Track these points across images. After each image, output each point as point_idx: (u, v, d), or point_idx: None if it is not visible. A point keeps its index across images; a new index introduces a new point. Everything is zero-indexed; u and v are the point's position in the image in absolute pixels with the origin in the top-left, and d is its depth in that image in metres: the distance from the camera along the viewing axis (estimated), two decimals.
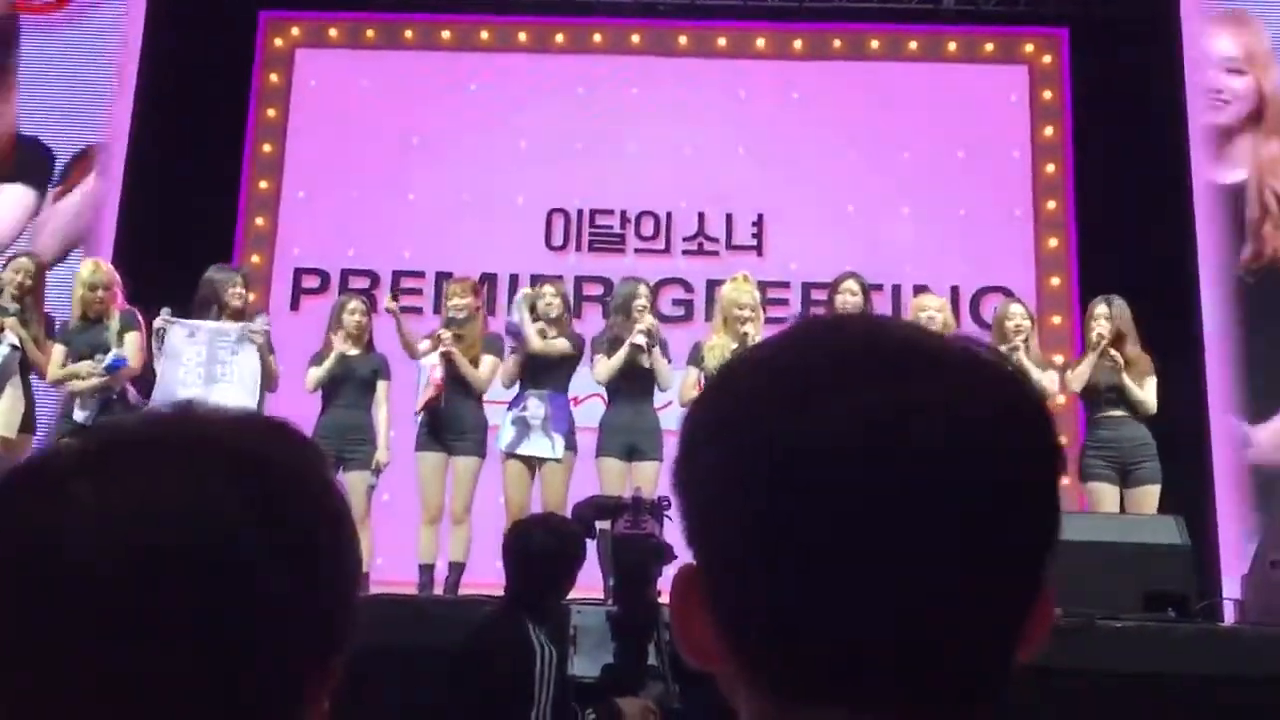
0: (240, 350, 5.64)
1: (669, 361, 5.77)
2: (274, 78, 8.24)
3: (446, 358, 5.71)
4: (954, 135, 7.86)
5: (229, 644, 0.63)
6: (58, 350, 5.75)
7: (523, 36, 8.27)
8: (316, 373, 5.83)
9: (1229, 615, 5.22)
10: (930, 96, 7.93)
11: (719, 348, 5.52)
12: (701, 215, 7.92)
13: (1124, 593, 4.40)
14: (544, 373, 5.76)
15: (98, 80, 7.97)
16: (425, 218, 7.81)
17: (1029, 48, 8.15)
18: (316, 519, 0.68)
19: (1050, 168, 7.92)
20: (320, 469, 0.71)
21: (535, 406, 5.68)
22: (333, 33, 8.34)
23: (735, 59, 8.15)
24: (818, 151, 7.88)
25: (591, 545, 3.57)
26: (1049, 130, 7.98)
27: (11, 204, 7.84)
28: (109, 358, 5.58)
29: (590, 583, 3.85)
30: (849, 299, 5.87)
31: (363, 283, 7.67)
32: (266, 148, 8.11)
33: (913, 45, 8.14)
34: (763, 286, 6.55)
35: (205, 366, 5.57)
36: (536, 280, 6.57)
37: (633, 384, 5.73)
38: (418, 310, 7.47)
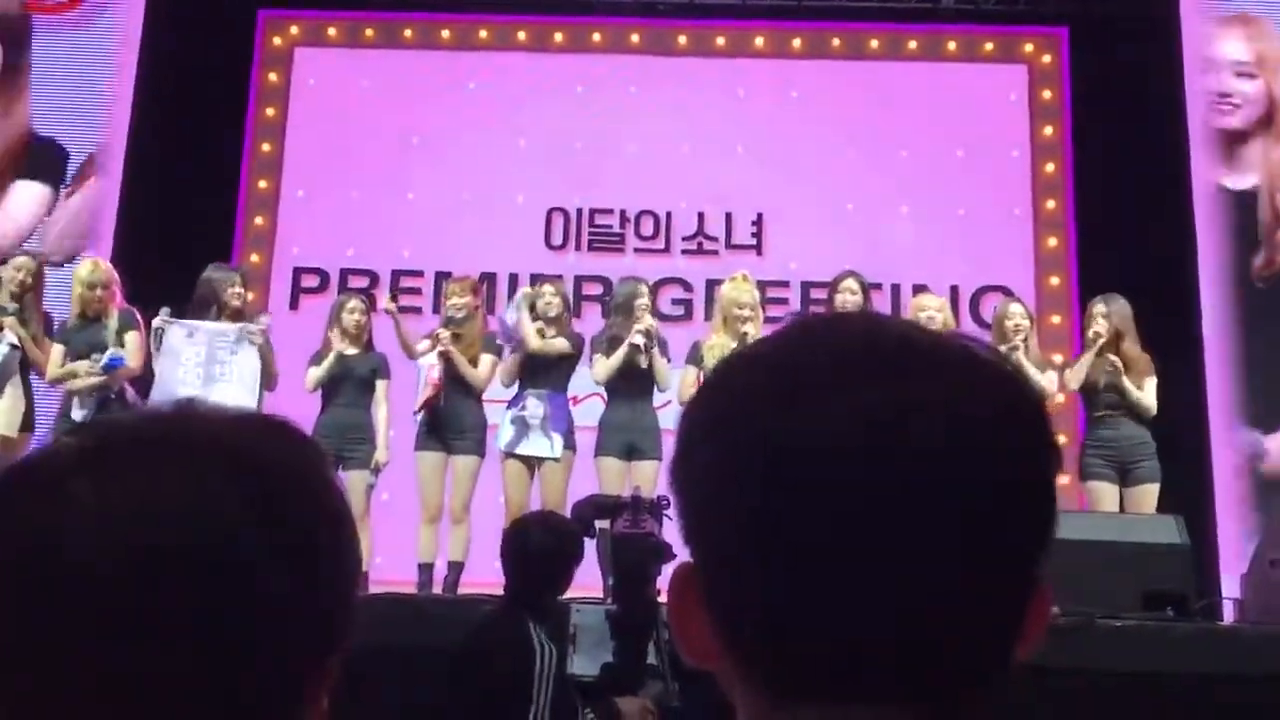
0: (239, 350, 5.64)
1: (668, 361, 5.77)
2: (273, 77, 8.24)
3: (445, 357, 5.71)
4: (953, 134, 7.86)
5: (228, 643, 0.63)
6: (57, 349, 5.75)
7: (522, 36, 8.27)
8: (316, 372, 5.83)
9: (1228, 614, 5.22)
10: (929, 96, 7.93)
11: (718, 347, 5.52)
12: (701, 215, 7.92)
13: (1123, 592, 4.41)
14: (543, 372, 5.76)
15: (103, 80, 7.98)
16: (424, 217, 7.81)
17: (1028, 47, 8.15)
18: (316, 518, 0.68)
19: (1050, 167, 7.92)
20: (321, 468, 0.71)
21: (534, 406, 5.68)
22: (332, 32, 8.34)
23: (734, 58, 8.15)
24: (817, 151, 7.87)
25: (591, 544, 3.57)
26: (1048, 129, 7.98)
27: (26, 201, 7.85)
28: (105, 356, 5.58)
29: (590, 582, 3.85)
30: (849, 298, 5.87)
31: (362, 282, 7.66)
32: (266, 147, 8.11)
33: (912, 44, 8.14)
34: (762, 286, 6.56)
35: (204, 366, 5.57)
36: (536, 280, 6.58)
37: (632, 383, 5.73)
38: (417, 310, 7.48)
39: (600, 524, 3.42)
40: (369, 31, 8.31)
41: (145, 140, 7.78)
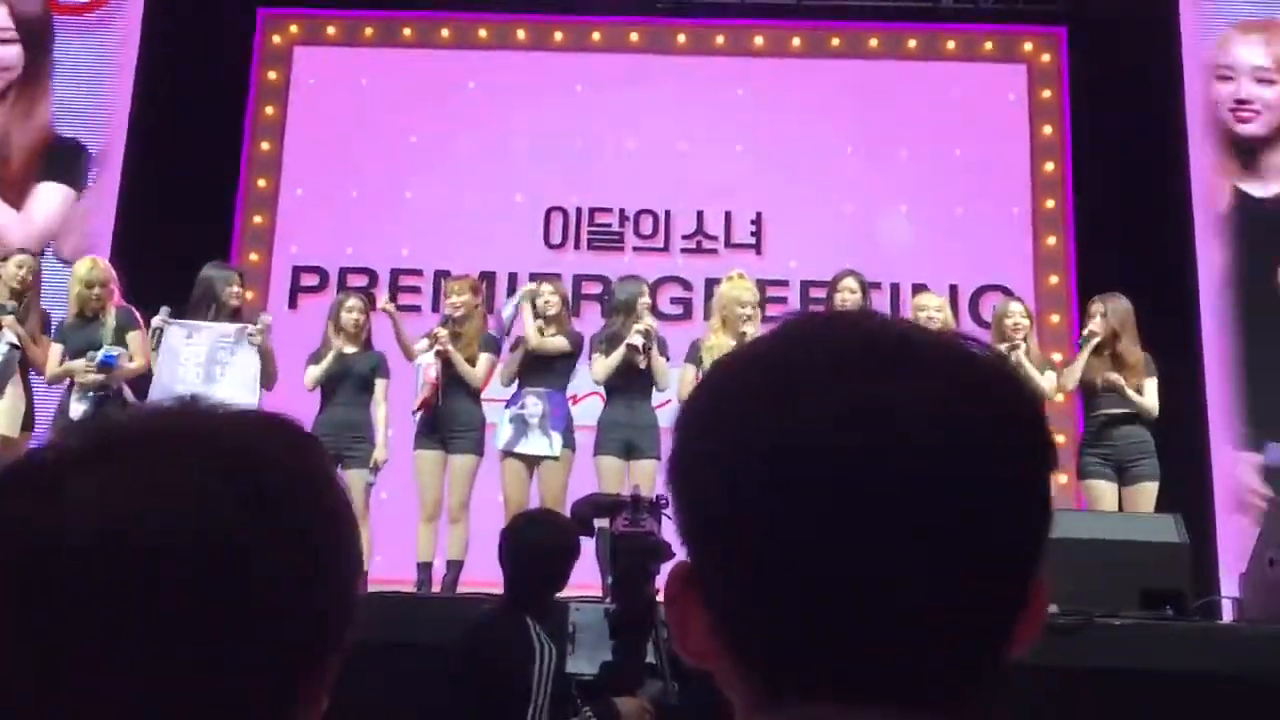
0: (239, 350, 5.65)
1: (667, 360, 5.77)
2: (272, 75, 8.23)
3: (443, 357, 5.71)
4: (952, 134, 7.86)
5: (225, 642, 0.62)
6: (55, 348, 5.75)
7: (521, 34, 8.26)
8: (315, 371, 5.83)
9: (1227, 613, 5.22)
10: (929, 95, 7.93)
11: (717, 348, 5.51)
12: (700, 214, 7.92)
13: (1122, 591, 4.41)
14: (542, 371, 5.76)
15: (110, 80, 8.00)
16: (424, 216, 7.81)
17: (1027, 46, 8.15)
18: (316, 517, 0.67)
19: (1049, 166, 7.92)
20: (322, 466, 0.71)
21: (533, 405, 5.68)
22: (331, 30, 8.34)
23: (734, 57, 8.15)
24: (816, 150, 7.87)
25: (590, 543, 3.57)
26: (1047, 129, 7.98)
27: (49, 202, 7.86)
28: (100, 354, 5.58)
29: (589, 581, 3.85)
30: (848, 297, 5.87)
31: (361, 281, 7.66)
32: (265, 145, 8.11)
33: (911, 44, 8.14)
34: (761, 285, 6.57)
35: (204, 366, 5.57)
36: (535, 279, 6.57)
37: (631, 383, 5.73)
38: (416, 309, 7.48)
39: (599, 523, 3.42)
40: (368, 30, 8.31)
41: (144, 138, 7.78)
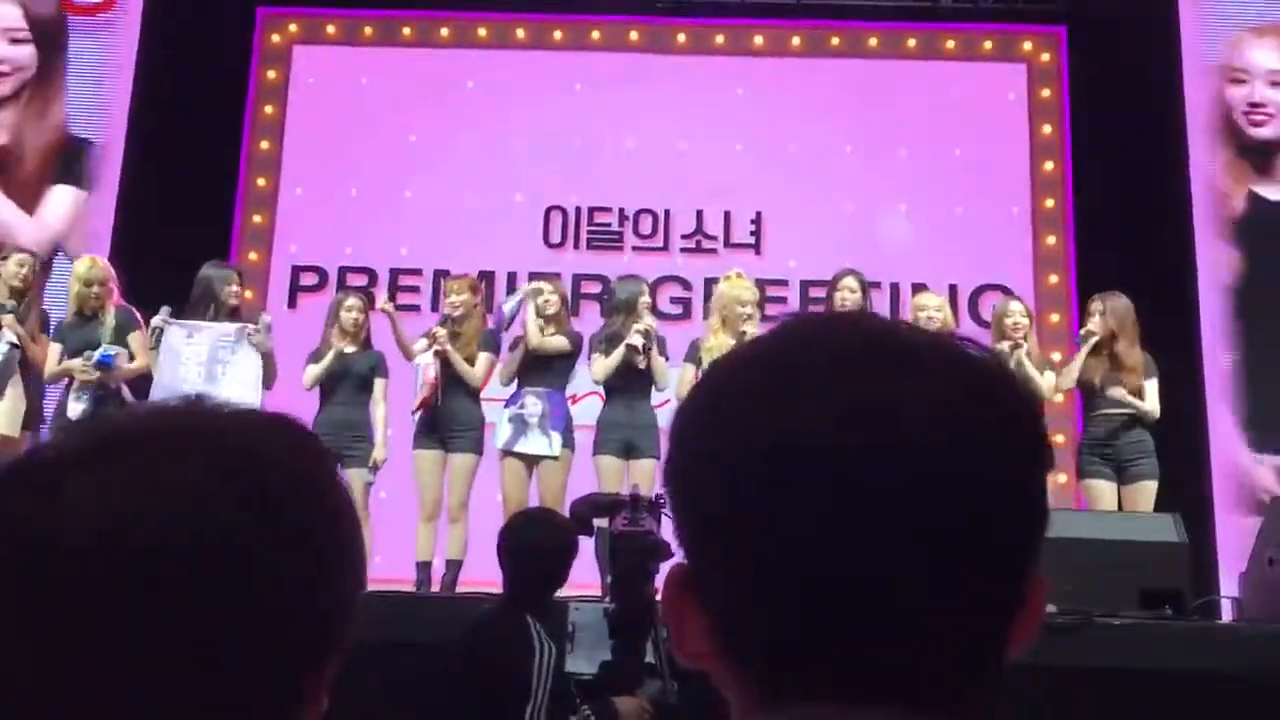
0: (240, 350, 5.65)
1: (666, 359, 5.77)
2: (271, 74, 8.23)
3: (441, 357, 5.71)
4: (952, 133, 7.86)
5: (226, 642, 0.62)
6: (54, 347, 5.75)
7: (521, 34, 8.26)
8: (314, 370, 5.83)
9: (1226, 613, 5.22)
10: (928, 94, 7.93)
11: (717, 348, 5.50)
12: (700, 213, 7.92)
13: (1121, 590, 4.41)
14: (541, 370, 5.76)
15: (110, 78, 8.01)
16: (423, 215, 7.80)
17: (1027, 45, 8.15)
18: (318, 517, 0.67)
19: (1048, 165, 7.92)
20: (324, 466, 0.71)
21: (533, 404, 5.68)
22: (330, 29, 8.34)
23: (733, 56, 8.15)
24: (816, 149, 7.87)
25: (589, 543, 3.57)
26: (1047, 128, 7.98)
27: (61, 204, 7.86)
28: (97, 353, 5.58)
29: (588, 580, 3.85)
30: (848, 296, 5.87)
31: (360, 280, 7.65)
32: (264, 144, 8.11)
33: (911, 43, 8.14)
34: (761, 285, 6.56)
35: (206, 366, 5.57)
36: (534, 278, 6.57)
37: (630, 382, 5.73)
38: (415, 308, 7.48)
39: (599, 522, 3.42)
40: (368, 29, 8.31)
41: (143, 137, 7.78)
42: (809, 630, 0.60)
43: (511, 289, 7.15)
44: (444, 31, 8.31)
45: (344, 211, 7.86)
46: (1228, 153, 7.53)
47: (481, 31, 8.28)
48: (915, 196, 7.78)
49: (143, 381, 5.73)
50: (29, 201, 7.85)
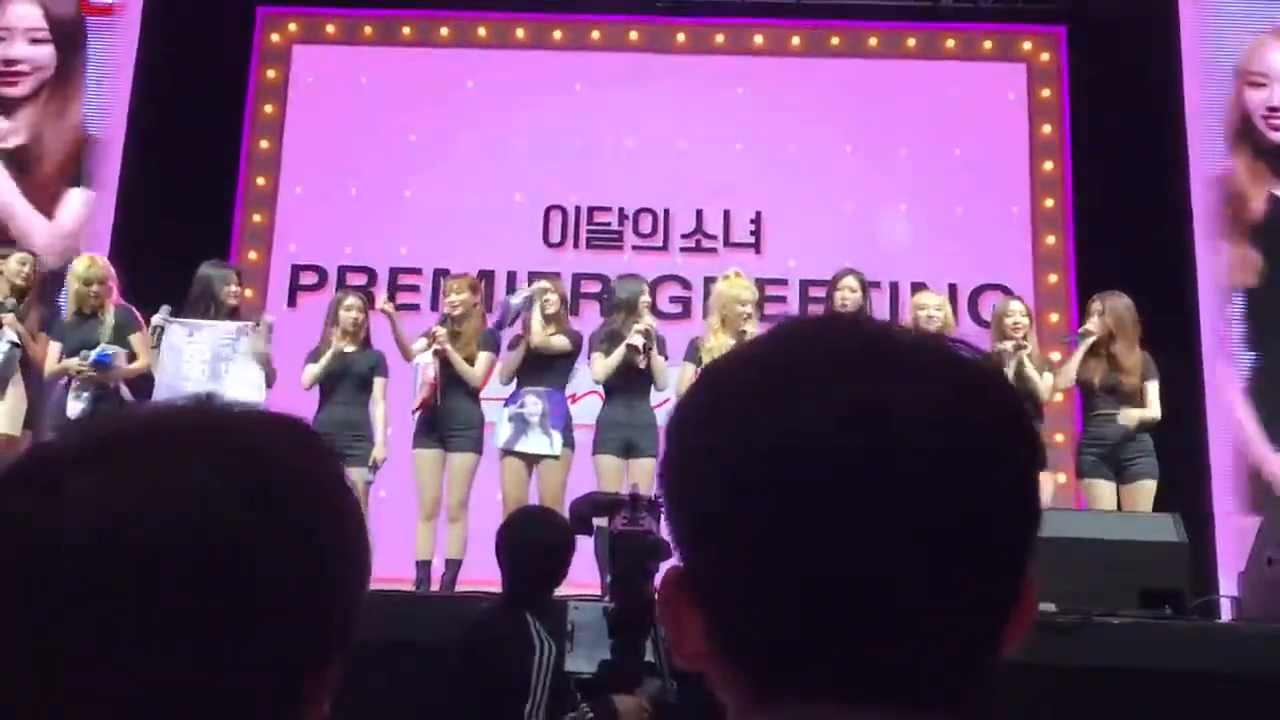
0: (241, 349, 5.65)
1: (666, 359, 5.77)
2: (271, 74, 8.23)
3: (441, 356, 5.71)
4: (952, 133, 7.86)
5: (228, 643, 0.62)
6: (53, 346, 5.75)
7: (520, 33, 8.26)
8: (313, 369, 5.83)
9: (1225, 612, 5.22)
10: (928, 94, 7.93)
11: (717, 348, 5.50)
12: (700, 213, 7.92)
13: (1120, 590, 4.40)
14: (541, 370, 5.76)
15: (110, 78, 8.01)
16: (423, 215, 7.81)
17: (1027, 45, 8.15)
18: (322, 517, 0.67)
19: (1048, 165, 7.92)
20: (329, 466, 0.70)
21: (533, 403, 5.68)
22: (330, 29, 8.34)
23: (733, 56, 8.15)
24: (816, 149, 7.87)
25: (589, 542, 3.57)
26: (1047, 128, 7.98)
27: (75, 207, 7.86)
28: (94, 353, 5.58)
29: (588, 579, 3.85)
30: (848, 296, 5.86)
31: (360, 279, 7.66)
32: (264, 144, 8.11)
33: (911, 42, 8.14)
34: (761, 284, 6.56)
35: (209, 364, 5.57)
36: (534, 277, 6.57)
37: (630, 382, 5.73)
38: (415, 308, 7.48)
39: (598, 522, 3.42)
40: (367, 29, 8.31)
41: (143, 136, 7.78)
42: (808, 630, 0.60)
43: (511, 289, 7.15)
44: (444, 31, 8.31)
45: (344, 211, 7.86)
46: (1247, 155, 7.52)
47: (481, 31, 8.28)
48: (915, 196, 7.78)
49: (142, 381, 5.72)
50: (47, 204, 7.85)
